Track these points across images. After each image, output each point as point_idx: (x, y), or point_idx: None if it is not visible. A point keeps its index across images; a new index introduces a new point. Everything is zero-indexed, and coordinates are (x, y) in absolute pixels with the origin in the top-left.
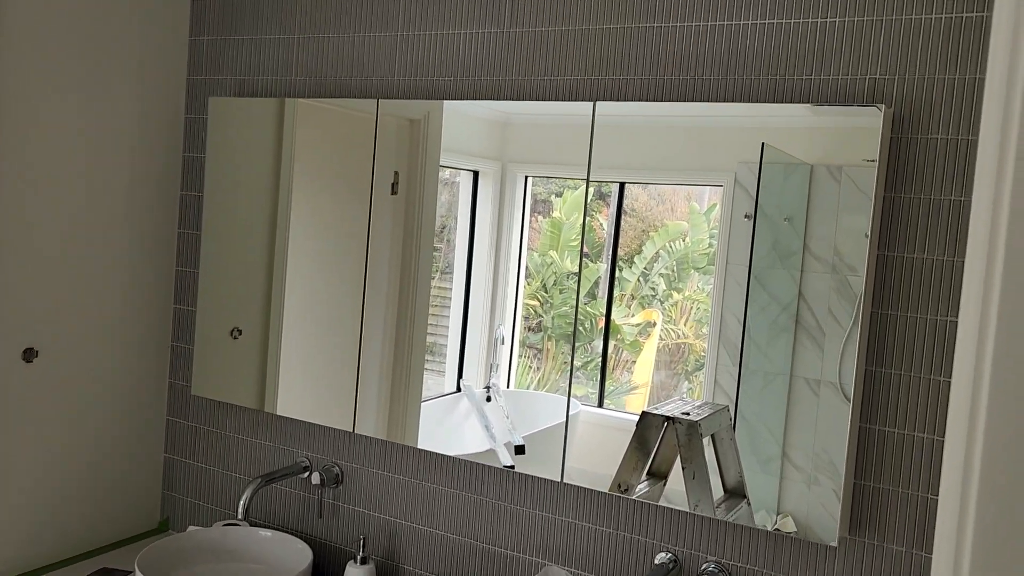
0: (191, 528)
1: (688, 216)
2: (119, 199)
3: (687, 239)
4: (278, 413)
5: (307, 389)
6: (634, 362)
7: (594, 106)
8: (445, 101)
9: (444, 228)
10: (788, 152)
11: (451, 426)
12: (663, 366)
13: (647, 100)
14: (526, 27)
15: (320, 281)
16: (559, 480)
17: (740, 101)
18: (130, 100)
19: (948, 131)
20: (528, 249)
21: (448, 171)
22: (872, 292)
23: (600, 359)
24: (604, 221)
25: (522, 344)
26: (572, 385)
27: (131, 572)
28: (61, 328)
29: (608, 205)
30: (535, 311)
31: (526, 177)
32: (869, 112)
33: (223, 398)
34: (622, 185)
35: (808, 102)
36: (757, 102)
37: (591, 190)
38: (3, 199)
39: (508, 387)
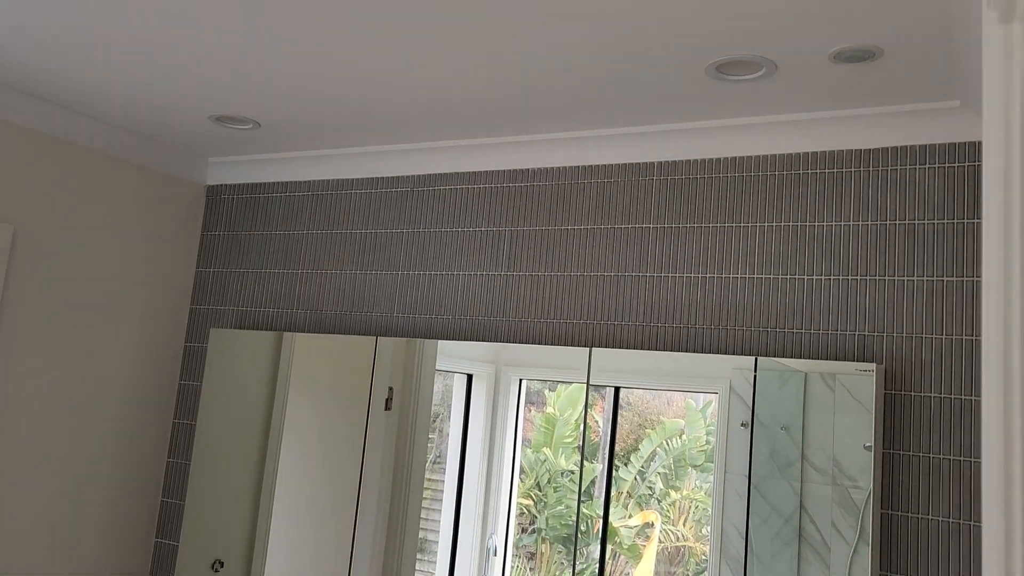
0: None
1: (684, 413)
2: (110, 425)
3: (684, 436)
4: None
5: None
6: (633, 569)
7: (590, 352)
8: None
9: (437, 417)
10: (781, 360)
11: None
12: (663, 575)
13: (641, 348)
14: (523, 271)
15: (308, 510)
16: None
17: (732, 353)
18: (133, 326)
19: (941, 390)
20: (521, 444)
21: (448, 372)
22: (879, 549)
23: (597, 567)
24: (599, 417)
25: (516, 546)
26: None
27: None
28: (35, 562)
29: (604, 399)
30: (529, 510)
31: (520, 380)
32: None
33: None
34: (617, 389)
35: (799, 356)
36: (748, 355)
37: (587, 395)
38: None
39: None
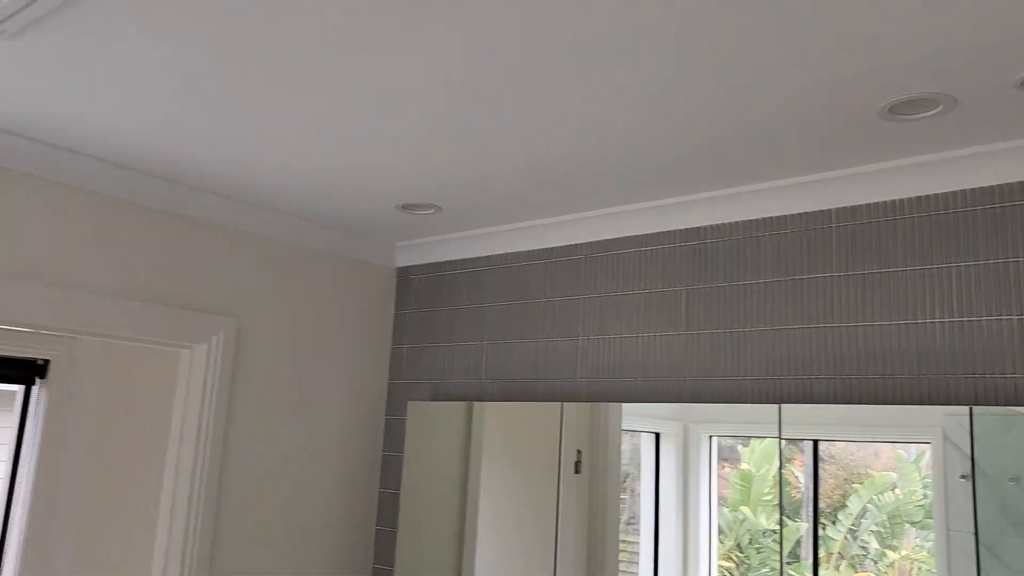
0: None
1: (895, 465)
2: (324, 495)
3: (897, 490)
4: None
5: None
6: None
7: (780, 409)
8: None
9: (628, 477)
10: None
11: None
12: None
13: (835, 402)
14: (703, 329)
15: (512, 569)
16: None
17: (936, 403)
18: (341, 402)
19: None
20: (717, 502)
21: (634, 432)
22: None
23: None
24: (800, 472)
25: None
26: None
27: None
28: None
29: (803, 452)
30: (730, 573)
31: (710, 437)
32: None
33: None
34: (815, 442)
35: (1018, 404)
36: (956, 404)
37: (780, 453)
38: (229, 499)
39: None
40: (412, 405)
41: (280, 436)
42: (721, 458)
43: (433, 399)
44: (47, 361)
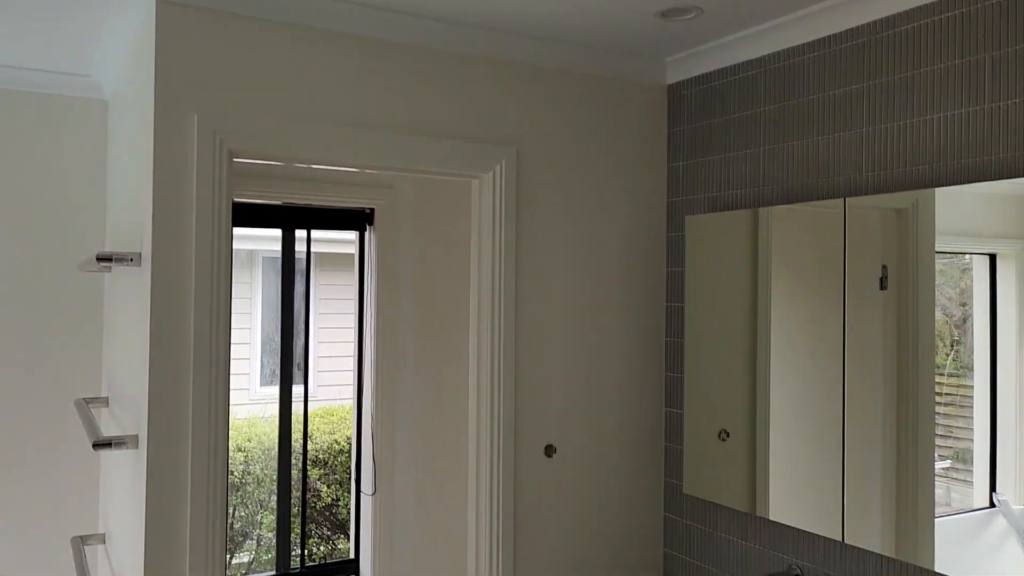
0: None
1: None
2: (614, 312)
3: None
4: (769, 517)
5: (795, 493)
6: None
7: None
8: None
9: (965, 320)
10: None
11: (982, 550)
12: None
13: None
14: (1014, 98)
15: (804, 384)
16: None
17: None
18: (620, 223)
19: None
20: None
21: (957, 256)
22: None
23: None
24: None
25: None
26: None
27: None
28: (571, 429)
29: None
30: None
31: None
32: None
33: (713, 498)
34: None
35: None
36: None
37: None
38: (525, 318)
39: None
40: (690, 219)
41: (566, 253)
42: None
43: (711, 211)
44: (372, 210)
